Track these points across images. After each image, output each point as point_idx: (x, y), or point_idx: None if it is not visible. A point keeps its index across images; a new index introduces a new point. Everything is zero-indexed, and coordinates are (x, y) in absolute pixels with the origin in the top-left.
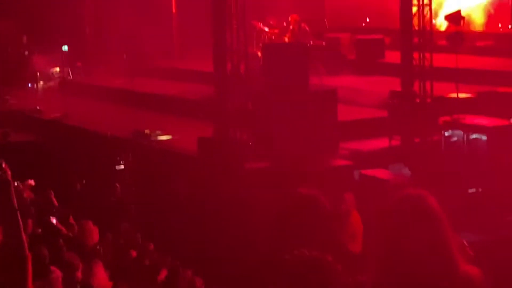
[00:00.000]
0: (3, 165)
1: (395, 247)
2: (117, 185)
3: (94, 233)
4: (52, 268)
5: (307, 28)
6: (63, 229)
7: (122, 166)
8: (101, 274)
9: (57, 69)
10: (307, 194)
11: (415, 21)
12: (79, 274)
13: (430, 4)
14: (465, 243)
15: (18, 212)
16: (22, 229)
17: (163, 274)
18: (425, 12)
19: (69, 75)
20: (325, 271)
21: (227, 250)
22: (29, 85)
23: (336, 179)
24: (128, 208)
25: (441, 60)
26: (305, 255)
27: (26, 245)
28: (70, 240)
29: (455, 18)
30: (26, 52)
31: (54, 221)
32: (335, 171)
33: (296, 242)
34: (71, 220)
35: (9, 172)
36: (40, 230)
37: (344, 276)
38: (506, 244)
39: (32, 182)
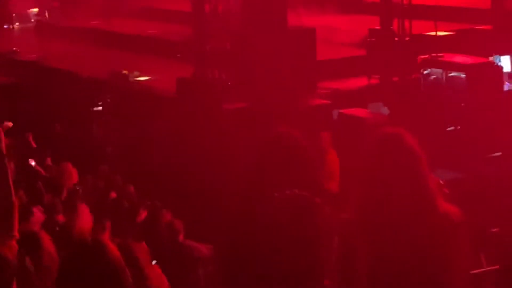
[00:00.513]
0: None
1: (374, 185)
2: (95, 126)
3: (73, 175)
4: (34, 209)
5: None
6: (42, 171)
7: (100, 108)
8: (84, 215)
9: (35, 10)
10: (285, 132)
11: None
12: (60, 217)
13: None
14: (441, 182)
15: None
16: (10, 175)
17: (142, 215)
18: None
19: (46, 16)
20: (315, 211)
21: (205, 190)
22: (5, 26)
23: (314, 118)
24: (106, 149)
25: None
26: (296, 194)
27: (13, 191)
28: (49, 182)
29: None
30: None
31: (33, 163)
32: (314, 110)
33: (275, 180)
34: (49, 162)
35: None
36: (19, 173)
37: (330, 216)
38: (484, 181)
39: (10, 124)
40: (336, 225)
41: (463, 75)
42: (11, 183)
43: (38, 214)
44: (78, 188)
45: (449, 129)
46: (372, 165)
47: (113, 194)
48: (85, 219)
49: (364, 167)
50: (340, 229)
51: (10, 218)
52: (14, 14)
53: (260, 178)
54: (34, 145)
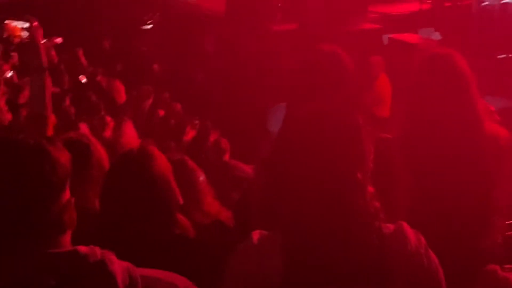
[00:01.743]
0: (34, 23)
1: (422, 105)
2: (144, 44)
3: (121, 92)
4: (81, 125)
5: None
6: (93, 87)
7: (149, 26)
8: (130, 132)
9: None
10: (327, 49)
11: None
12: (108, 133)
13: None
14: (492, 108)
15: (47, 72)
16: (47, 89)
17: (189, 134)
18: None
19: None
20: (350, 123)
21: (251, 110)
22: None
23: (364, 42)
24: (154, 67)
25: None
26: (328, 106)
27: (49, 105)
28: (101, 97)
29: None
30: None
31: (84, 80)
32: (364, 34)
33: (318, 97)
34: (100, 79)
35: (40, 31)
36: (69, 87)
37: (368, 135)
38: None
39: (59, 40)
40: (377, 144)
41: None
42: (48, 97)
43: (85, 130)
44: (125, 105)
45: (500, 56)
46: (421, 84)
47: (161, 112)
48: (131, 135)
49: (413, 86)
50: (381, 148)
51: (42, 128)
52: None
53: (300, 95)
54: (84, 61)
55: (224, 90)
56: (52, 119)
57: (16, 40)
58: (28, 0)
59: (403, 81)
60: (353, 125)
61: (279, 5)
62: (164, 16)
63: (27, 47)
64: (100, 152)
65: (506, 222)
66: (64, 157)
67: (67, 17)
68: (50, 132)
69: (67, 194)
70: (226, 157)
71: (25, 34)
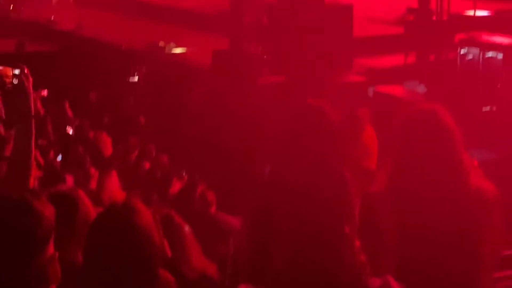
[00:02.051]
0: (25, 71)
1: (407, 160)
2: (130, 97)
3: (108, 144)
4: (67, 177)
5: None
6: (80, 139)
7: (136, 78)
8: (116, 184)
9: None
10: (313, 103)
11: None
12: (94, 185)
13: None
14: (475, 162)
15: (33, 120)
16: (33, 138)
17: (176, 186)
18: None
19: None
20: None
21: (238, 163)
22: None
23: (350, 95)
24: (140, 119)
25: None
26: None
27: (33, 153)
28: (88, 149)
29: None
30: None
31: (70, 131)
32: (349, 87)
33: (305, 151)
34: (86, 131)
35: (31, 79)
36: (56, 139)
37: (355, 189)
38: None
39: (45, 92)
40: (363, 198)
41: (501, 55)
42: (33, 146)
43: (70, 182)
44: (112, 158)
45: (484, 109)
46: (407, 139)
47: (147, 165)
48: (116, 188)
49: (398, 141)
50: (367, 202)
51: (24, 178)
52: None
53: (287, 150)
54: (70, 113)
55: (210, 142)
56: (35, 170)
57: (7, 84)
58: (14, 52)
59: (389, 134)
60: (340, 180)
61: (265, 57)
62: (151, 68)
63: (17, 92)
64: (88, 207)
65: (494, 276)
66: (48, 211)
67: (54, 70)
68: (32, 181)
69: (51, 248)
70: (213, 209)
71: (15, 80)
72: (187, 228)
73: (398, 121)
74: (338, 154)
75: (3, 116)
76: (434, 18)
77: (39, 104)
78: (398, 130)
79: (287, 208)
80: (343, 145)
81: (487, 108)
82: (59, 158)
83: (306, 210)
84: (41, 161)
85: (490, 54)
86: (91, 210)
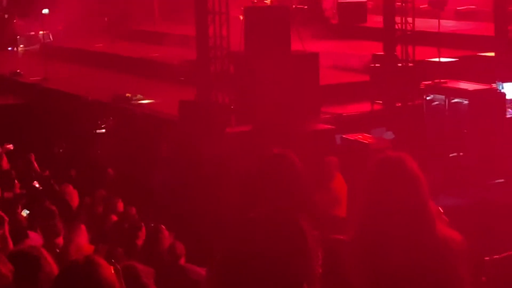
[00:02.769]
0: None
1: (374, 208)
2: (97, 149)
3: (74, 197)
4: (33, 233)
5: None
6: (46, 192)
7: (103, 130)
8: (82, 238)
9: (40, 32)
10: (278, 153)
11: None
12: (60, 240)
13: None
14: (440, 209)
15: None
16: None
17: (143, 238)
18: None
19: (50, 39)
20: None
21: (207, 213)
22: (9, 48)
23: (317, 143)
24: (108, 171)
25: (423, 24)
26: (271, 213)
27: None
28: (54, 202)
29: None
30: (6, 15)
31: (37, 185)
32: (317, 135)
33: (270, 201)
34: (53, 184)
35: None
36: (22, 193)
37: (315, 237)
38: (487, 207)
39: (11, 146)
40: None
41: (466, 102)
42: None
43: (35, 237)
44: (78, 210)
45: (451, 155)
46: (373, 188)
47: (114, 217)
48: (83, 241)
49: (365, 189)
50: (334, 250)
51: None
52: (18, 37)
53: (253, 200)
54: (36, 166)
55: (179, 193)
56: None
57: None
58: None
59: (357, 182)
60: (296, 233)
61: (232, 107)
62: (118, 120)
63: None
64: (51, 264)
65: None
66: (5, 268)
67: (20, 123)
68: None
69: None
70: (182, 261)
71: None
72: (151, 279)
73: (365, 169)
74: (301, 203)
75: None
76: (399, 65)
77: (4, 159)
78: (365, 178)
79: (244, 261)
80: (307, 194)
81: (454, 154)
82: (25, 212)
83: (261, 263)
84: (5, 216)
85: (455, 100)
86: (54, 268)
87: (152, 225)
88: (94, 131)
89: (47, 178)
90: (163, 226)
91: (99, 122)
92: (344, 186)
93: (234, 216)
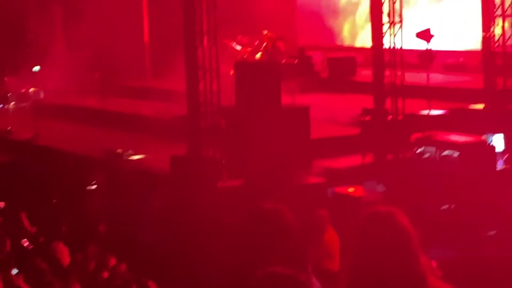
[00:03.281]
0: None
1: (366, 264)
2: (88, 205)
3: (65, 254)
4: None
5: (281, 46)
6: (36, 251)
7: (94, 186)
8: None
9: (31, 89)
10: (270, 208)
11: (386, 39)
12: None
13: (401, 22)
14: (433, 264)
15: None
16: None
17: None
18: (396, 30)
19: (41, 96)
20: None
21: (199, 269)
22: (0, 105)
23: (309, 196)
24: (100, 228)
25: (413, 77)
26: (277, 273)
27: None
28: (46, 260)
29: (425, 35)
30: None
31: (26, 243)
32: (308, 188)
33: (263, 258)
34: (43, 241)
35: None
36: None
37: None
38: (479, 260)
39: (1, 204)
40: None
41: (457, 154)
42: None
43: None
44: (70, 267)
45: (443, 208)
46: (363, 243)
47: (105, 274)
48: None
49: (356, 244)
50: None
51: None
52: (9, 94)
53: (246, 256)
54: (27, 224)
55: (170, 249)
56: None
57: None
58: None
59: (349, 235)
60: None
61: (223, 161)
62: (109, 176)
63: None
64: None
65: None
66: None
67: (11, 180)
68: None
69: None
70: None
71: None
72: None
73: (356, 224)
74: (297, 257)
75: None
76: (389, 118)
77: None
78: (355, 233)
79: None
80: (301, 248)
81: (446, 207)
82: (15, 271)
83: None
84: None
85: (446, 152)
86: None
87: (143, 281)
88: (85, 188)
89: (37, 235)
90: (151, 282)
91: (90, 178)
92: (336, 239)
93: (225, 272)
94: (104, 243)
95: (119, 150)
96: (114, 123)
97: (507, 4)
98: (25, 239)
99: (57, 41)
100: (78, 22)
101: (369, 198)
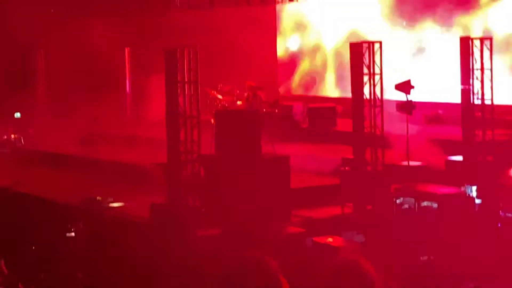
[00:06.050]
0: None
1: None
2: (67, 253)
3: None
4: None
5: (262, 96)
6: None
7: (73, 234)
8: None
9: (12, 136)
10: (252, 256)
11: (366, 90)
12: None
13: (381, 73)
14: None
15: None
16: None
17: None
18: (375, 81)
19: (22, 142)
20: None
21: None
22: None
23: (288, 246)
24: (78, 275)
25: (392, 128)
26: None
27: None
28: None
29: (405, 87)
30: None
31: None
32: (288, 238)
33: None
34: None
35: None
36: None
37: None
38: None
39: None
40: None
41: (436, 205)
42: None
43: None
44: None
45: (422, 259)
46: None
47: None
48: None
49: None
50: None
51: None
52: None
53: None
54: (6, 271)
55: None
56: None
57: None
58: None
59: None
60: None
61: (203, 210)
62: (88, 223)
63: None
64: None
65: None
66: None
67: None
68: None
69: None
70: None
71: None
72: None
73: (321, 273)
74: None
75: None
76: (369, 168)
77: None
78: (322, 282)
79: None
80: None
81: (425, 258)
82: None
83: None
84: None
85: (425, 203)
86: None
87: None
88: (64, 235)
89: (15, 282)
90: None
91: (69, 226)
92: None
93: None
94: None
95: (99, 198)
96: (94, 170)
97: (485, 57)
98: (2, 286)
99: (38, 89)
100: (59, 73)
101: (348, 248)
